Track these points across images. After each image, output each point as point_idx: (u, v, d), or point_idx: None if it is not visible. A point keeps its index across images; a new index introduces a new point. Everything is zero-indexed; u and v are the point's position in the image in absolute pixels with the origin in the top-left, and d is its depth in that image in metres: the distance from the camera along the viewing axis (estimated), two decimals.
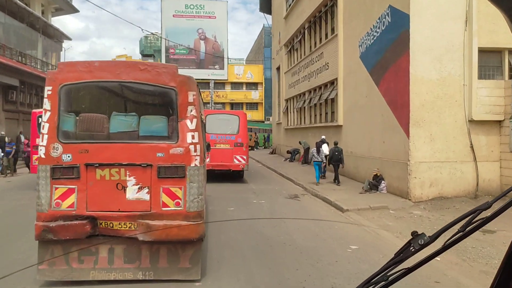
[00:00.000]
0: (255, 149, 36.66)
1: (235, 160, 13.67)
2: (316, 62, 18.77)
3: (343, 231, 7.60)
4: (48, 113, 4.50)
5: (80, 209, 4.43)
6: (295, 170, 17.90)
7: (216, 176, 14.41)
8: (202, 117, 6.80)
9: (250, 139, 38.68)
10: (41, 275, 4.43)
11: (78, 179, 4.46)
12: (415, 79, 10.06)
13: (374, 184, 11.39)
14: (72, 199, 4.44)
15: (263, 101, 57.61)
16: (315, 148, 13.71)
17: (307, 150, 19.53)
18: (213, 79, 52.57)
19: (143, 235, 4.40)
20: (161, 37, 50.81)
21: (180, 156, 4.55)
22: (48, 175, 4.42)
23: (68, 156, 4.46)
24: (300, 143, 20.05)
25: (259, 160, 24.33)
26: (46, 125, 4.50)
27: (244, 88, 57.86)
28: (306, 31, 20.69)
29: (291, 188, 13.56)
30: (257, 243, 6.64)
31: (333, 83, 16.61)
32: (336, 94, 15.67)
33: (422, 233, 1.00)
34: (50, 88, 4.51)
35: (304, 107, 21.14)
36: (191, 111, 4.66)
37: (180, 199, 4.53)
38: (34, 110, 13.27)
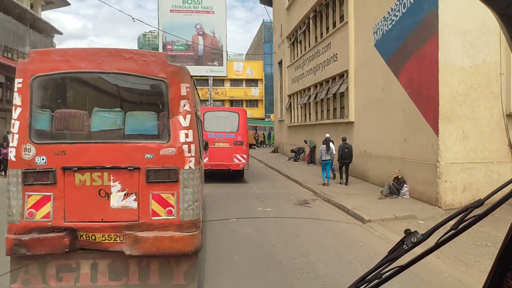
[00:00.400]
0: (255, 148, 35.27)
1: (235, 159, 13.09)
2: (322, 54, 17.38)
3: (370, 250, 6.25)
4: (19, 110, 3.96)
5: (57, 219, 3.94)
6: (301, 170, 16.54)
7: (215, 176, 13.41)
8: (198, 113, 6.13)
9: (256, 137, 37.45)
10: None
11: (54, 185, 3.96)
12: (445, 68, 8.68)
13: (396, 187, 10.03)
14: (47, 208, 3.95)
15: (263, 98, 56.22)
16: (324, 146, 12.59)
17: (313, 149, 18.19)
18: (212, 76, 51.34)
19: (131, 248, 3.90)
20: (158, 30, 49.34)
21: (172, 157, 4.05)
22: (20, 181, 3.90)
23: (42, 159, 3.95)
24: (305, 141, 18.69)
25: (261, 160, 22.98)
26: (17, 123, 3.96)
27: (244, 85, 56.45)
28: (311, 21, 19.28)
29: (298, 191, 12.22)
30: (267, 270, 5.30)
31: (342, 75, 15.23)
32: (347, 88, 14.29)
33: (415, 231, 1.01)
34: (20, 80, 3.97)
35: (309, 103, 19.76)
36: (184, 105, 4.13)
37: (173, 206, 4.05)
38: None
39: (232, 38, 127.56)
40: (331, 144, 12.67)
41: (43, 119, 4.14)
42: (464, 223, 0.94)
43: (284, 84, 25.42)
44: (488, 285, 0.95)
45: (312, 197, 11.13)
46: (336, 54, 15.52)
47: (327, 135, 13.45)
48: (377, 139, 11.99)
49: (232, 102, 56.06)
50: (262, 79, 55.91)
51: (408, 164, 10.14)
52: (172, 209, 4.05)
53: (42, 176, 3.94)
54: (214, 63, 56.17)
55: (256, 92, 56.24)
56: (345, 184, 12.25)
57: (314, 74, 18.72)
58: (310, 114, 19.97)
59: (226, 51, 56.84)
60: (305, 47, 20.85)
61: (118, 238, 3.98)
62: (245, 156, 13.15)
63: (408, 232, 1.03)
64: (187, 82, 4.23)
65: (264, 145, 39.18)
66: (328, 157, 12.41)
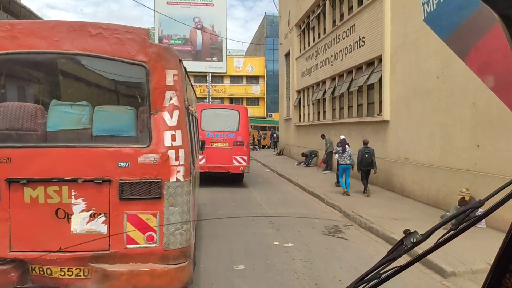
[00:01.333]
0: (257, 149, 32.37)
1: (234, 161, 12.07)
2: (343, 39, 14.49)
3: None
4: None
5: (0, 248, 3.07)
6: (317, 179, 13.67)
7: (212, 182, 11.83)
8: (191, 108, 5.13)
9: (260, 137, 34.69)
10: None
11: None
12: None
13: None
14: None
15: (265, 96, 53.34)
16: (339, 148, 10.68)
17: (329, 153, 15.33)
18: (210, 72, 48.53)
19: (98, 287, 3.11)
20: (154, 22, 46.47)
21: (154, 166, 3.22)
22: None
23: None
24: (323, 137, 15.40)
25: (265, 164, 20.10)
26: None
27: (244, 81, 53.57)
28: (327, 2, 16.37)
29: (322, 211, 9.35)
30: None
31: (372, 63, 12.34)
32: (379, 79, 11.39)
33: (415, 231, 0.99)
34: None
35: (325, 99, 16.88)
36: (171, 98, 3.30)
37: (154, 231, 3.23)
38: None
39: (231, 37, 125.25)
40: (347, 147, 10.72)
41: None
42: (464, 223, 0.93)
43: (292, 78, 22.53)
44: (487, 285, 0.95)
45: (343, 221, 8.25)
46: (363, 37, 12.62)
47: (342, 136, 11.31)
48: (428, 143, 9.10)
49: (232, 100, 53.20)
50: (263, 76, 53.01)
51: (482, 180, 7.25)
52: (153, 234, 3.24)
53: None
54: (213, 58, 53.28)
55: (257, 89, 53.34)
56: (366, 195, 10.27)
57: (332, 65, 15.83)
58: (325, 111, 17.08)
59: (226, 48, 54.07)
60: (319, 34, 17.96)
61: (81, 273, 3.17)
62: (245, 158, 12.08)
63: (407, 232, 1.00)
64: (175, 68, 3.38)
65: (267, 147, 36.20)
66: (348, 161, 10.42)
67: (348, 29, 13.98)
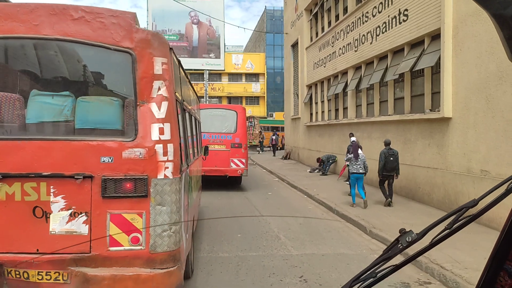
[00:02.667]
0: (260, 152, 29.40)
1: (232, 164, 11.55)
2: (373, 16, 11.56)
3: None
4: None
5: None
6: (344, 195, 10.71)
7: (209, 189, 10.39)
8: (188, 105, 4.76)
9: (263, 139, 31.93)
10: None
11: None
12: None
13: None
14: None
15: (265, 95, 50.34)
16: (351, 155, 9.12)
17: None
18: (207, 70, 45.56)
19: None
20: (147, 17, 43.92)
21: (139, 162, 3.02)
22: None
23: None
24: (351, 135, 12.20)
25: (272, 170, 17.16)
26: None
27: (244, 79, 50.53)
28: None
29: (369, 249, 6.40)
30: None
31: (419, 43, 9.39)
32: (438, 61, 8.42)
33: (410, 230, 0.99)
34: None
35: (346, 93, 13.96)
36: (159, 89, 3.09)
37: (140, 232, 3.01)
38: None
39: (228, 38, 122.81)
40: (360, 151, 9.15)
41: None
42: (458, 223, 0.93)
43: (301, 71, 19.59)
44: (482, 283, 0.95)
45: (414, 275, 5.31)
46: (406, 10, 9.68)
47: (354, 138, 9.91)
48: None
49: (230, 99, 50.16)
50: (264, 74, 49.98)
51: None
52: (139, 235, 3.02)
53: None
54: (210, 55, 50.32)
55: (257, 88, 50.30)
56: (389, 205, 8.82)
57: (356, 50, 12.89)
58: (346, 108, 14.13)
59: (224, 44, 51.20)
60: (337, 15, 15.02)
61: (60, 277, 2.96)
62: (243, 160, 11.61)
63: (403, 232, 0.99)
64: (164, 56, 3.16)
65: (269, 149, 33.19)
66: (361, 169, 8.95)
67: (381, 2, 11.03)
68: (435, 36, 8.66)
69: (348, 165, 9.43)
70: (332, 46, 15.16)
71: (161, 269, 3.03)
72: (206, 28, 52.43)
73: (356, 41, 12.82)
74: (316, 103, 17.75)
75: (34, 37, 3.07)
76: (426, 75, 9.04)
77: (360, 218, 7.96)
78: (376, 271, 0.99)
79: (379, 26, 11.16)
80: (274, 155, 25.63)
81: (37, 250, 2.94)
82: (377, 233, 6.95)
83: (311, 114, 18.62)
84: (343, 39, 14.04)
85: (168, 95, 3.15)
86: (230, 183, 13.23)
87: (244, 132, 11.99)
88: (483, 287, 0.95)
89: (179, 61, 4.10)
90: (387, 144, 8.75)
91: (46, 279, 2.94)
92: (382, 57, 11.30)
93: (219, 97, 49.35)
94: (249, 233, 7.24)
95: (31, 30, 3.00)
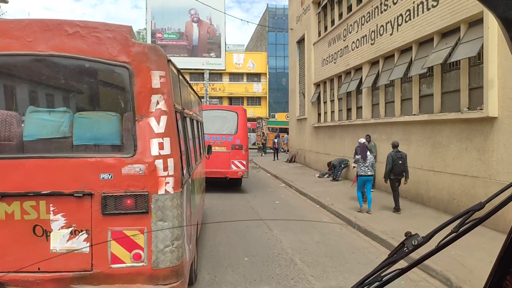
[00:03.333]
0: (263, 154, 28.15)
1: (232, 166, 11.40)
2: (394, 4, 10.31)
3: None
4: None
5: None
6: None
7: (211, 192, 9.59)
8: (189, 112, 4.76)
9: (266, 140, 30.76)
10: None
11: None
12: None
13: None
14: None
15: (267, 95, 49.06)
16: (358, 156, 8.67)
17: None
18: (208, 69, 44.24)
19: None
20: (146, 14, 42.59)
21: (139, 178, 2.98)
22: None
23: None
24: (367, 137, 10.79)
25: (277, 175, 15.91)
26: None
27: (245, 79, 49.28)
28: None
29: (405, 278, 5.13)
30: None
31: (453, 31, 8.13)
32: (480, 50, 7.15)
33: (416, 233, 0.98)
34: None
35: (360, 91, 12.71)
36: (158, 103, 3.04)
37: (142, 249, 2.98)
38: None
39: (229, 37, 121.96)
40: (368, 153, 8.65)
41: None
42: (465, 226, 0.92)
43: (308, 69, 18.35)
44: (488, 287, 0.94)
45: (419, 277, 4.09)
46: None
47: (362, 140, 9.27)
48: None
49: (231, 99, 48.91)
50: (265, 73, 48.72)
51: None
52: (141, 252, 3.00)
53: None
54: (211, 54, 48.97)
55: (258, 88, 49.05)
56: (397, 211, 8.37)
57: (373, 43, 11.64)
58: (359, 108, 12.88)
59: (225, 43, 50.04)
60: (349, 6, 13.77)
61: None
62: (244, 162, 11.50)
63: (409, 235, 0.98)
64: (162, 69, 3.09)
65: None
66: (369, 171, 8.50)
67: None
68: (474, 22, 7.41)
69: (354, 167, 8.95)
70: (344, 40, 13.92)
71: (164, 285, 3.02)
72: (206, 26, 51.14)
73: (373, 33, 11.58)
74: (325, 102, 16.50)
75: (29, 53, 3.02)
76: (462, 67, 7.78)
77: (389, 235, 6.71)
78: (382, 274, 0.97)
79: (401, 15, 9.91)
80: (276, 159, 23.64)
81: (39, 269, 2.93)
82: (413, 257, 5.70)
83: (319, 114, 17.37)
84: (357, 32, 12.79)
85: (167, 109, 3.11)
86: (232, 186, 12.07)
87: (245, 134, 11.80)
88: None
89: (178, 70, 3.98)
90: (395, 146, 8.25)
91: None
92: (405, 50, 10.05)
93: (220, 98, 48.11)
94: (258, 256, 5.99)
95: (25, 47, 2.96)
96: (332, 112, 15.61)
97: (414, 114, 9.40)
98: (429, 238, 0.94)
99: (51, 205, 2.94)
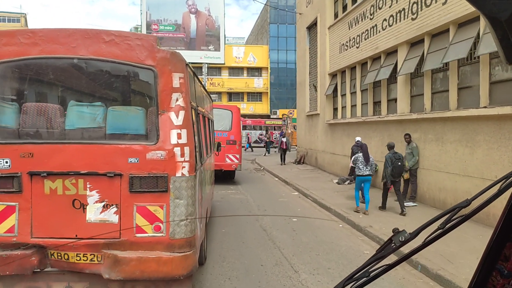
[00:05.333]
0: (266, 154, 25.74)
1: (227, 159, 12.29)
2: None
3: None
4: None
5: (22, 234, 3.43)
6: (408, 225, 7.06)
7: None
8: (202, 109, 5.44)
9: (269, 138, 28.37)
10: None
11: (19, 194, 3.45)
12: None
13: None
14: (11, 221, 3.43)
15: (269, 91, 46.58)
16: (359, 155, 8.18)
17: (415, 171, 8.84)
18: (206, 63, 41.69)
19: (110, 271, 3.39)
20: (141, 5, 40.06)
21: (161, 162, 3.50)
22: None
23: (6, 162, 3.44)
24: (406, 137, 8.92)
25: (287, 180, 13.56)
26: None
27: (245, 74, 46.78)
28: None
29: None
30: None
31: None
32: None
33: (403, 230, 0.99)
34: None
35: (394, 79, 10.32)
36: (177, 100, 3.59)
37: (161, 221, 3.48)
38: None
39: (228, 30, 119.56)
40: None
41: (7, 114, 3.67)
42: (451, 222, 0.93)
43: (322, 57, 15.95)
44: (474, 283, 0.96)
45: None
46: None
47: (358, 138, 9.30)
48: None
49: (231, 95, 46.45)
50: (267, 68, 46.21)
51: None
52: (160, 224, 3.50)
53: (6, 182, 3.44)
54: (209, 47, 46.35)
55: (259, 83, 46.55)
56: (402, 213, 7.79)
57: (414, 18, 9.22)
58: (394, 100, 10.48)
59: (224, 36, 47.55)
60: None
61: (95, 258, 3.46)
62: (237, 156, 12.51)
63: (396, 231, 0.99)
64: (181, 72, 3.66)
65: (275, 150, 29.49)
66: (368, 171, 8.12)
67: None
68: None
69: (353, 166, 8.64)
70: (371, 19, 11.50)
71: (179, 253, 3.48)
72: (205, 18, 48.42)
73: (415, 5, 9.16)
74: (343, 95, 14.10)
75: (72, 57, 3.58)
76: None
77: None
78: (369, 270, 0.99)
79: None
80: (283, 163, 18.84)
81: (76, 235, 3.44)
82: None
83: (335, 109, 14.99)
84: (390, 6, 10.38)
85: (184, 105, 3.63)
86: (240, 203, 9.77)
87: (238, 130, 12.83)
88: (475, 287, 0.96)
89: (193, 72, 4.46)
90: (391, 147, 8.10)
91: (83, 260, 3.43)
92: (464, 23, 7.65)
93: (219, 93, 45.63)
94: None
95: (70, 51, 3.53)
96: (353, 106, 13.22)
97: (485, 107, 7.00)
98: (416, 234, 0.96)
99: (87, 183, 3.47)
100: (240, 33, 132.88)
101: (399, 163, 7.94)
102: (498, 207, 1.00)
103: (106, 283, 3.44)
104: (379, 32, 10.98)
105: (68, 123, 3.61)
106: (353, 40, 12.83)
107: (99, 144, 3.52)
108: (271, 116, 44.83)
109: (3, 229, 3.37)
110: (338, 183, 12.43)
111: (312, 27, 17.59)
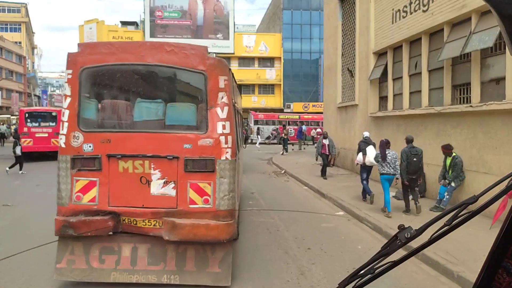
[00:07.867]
0: (284, 153, 22.41)
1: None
2: None
3: None
4: (68, 99, 4.37)
5: (102, 204, 4.30)
6: None
7: None
8: (237, 105, 6.37)
9: (287, 134, 25.21)
10: (59, 274, 4.31)
11: (99, 171, 4.32)
12: None
13: None
14: (93, 192, 4.31)
15: (282, 83, 43.03)
16: (377, 152, 7.97)
17: None
18: (215, 53, 38.32)
19: (169, 234, 4.17)
20: None
21: (209, 148, 4.31)
22: (68, 167, 4.30)
23: (90, 146, 4.32)
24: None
25: (321, 190, 10.31)
26: (66, 112, 4.36)
27: (256, 64, 43.30)
28: None
29: None
30: None
31: None
32: None
33: (409, 226, 0.98)
34: (70, 71, 4.38)
35: (492, 51, 6.91)
36: (222, 98, 4.40)
37: (209, 196, 4.28)
38: (21, 109, 18.83)
39: (238, 17, 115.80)
40: (370, 149, 8.50)
41: (90, 109, 4.60)
42: (458, 219, 0.92)
43: (362, 33, 12.55)
44: (480, 281, 0.95)
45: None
46: None
47: (366, 134, 8.78)
48: None
49: (241, 87, 42.94)
50: (280, 58, 42.63)
51: None
52: (208, 198, 4.26)
53: (89, 162, 4.28)
54: (218, 35, 43.12)
55: (272, 74, 43.00)
56: (416, 211, 7.58)
57: None
58: (492, 83, 7.09)
59: (234, 23, 44.13)
60: None
61: (157, 224, 4.25)
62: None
63: (402, 228, 0.99)
64: (226, 75, 4.45)
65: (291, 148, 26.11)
66: (392, 170, 7.61)
67: None
68: None
69: (358, 164, 8.64)
70: None
71: (223, 221, 4.22)
72: (213, 3, 44.90)
73: None
74: (397, 78, 10.71)
75: (141, 64, 4.50)
76: None
77: None
78: (375, 267, 0.98)
79: None
80: (324, 177, 12.72)
81: (143, 205, 4.28)
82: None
83: (383, 98, 11.62)
84: None
85: (228, 102, 4.42)
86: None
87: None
88: (481, 284, 0.95)
89: (232, 74, 5.31)
90: (409, 141, 7.61)
91: (148, 225, 4.26)
92: None
93: None
94: None
95: (139, 59, 4.44)
96: (413, 93, 9.82)
97: None
98: (422, 231, 0.95)
99: (152, 164, 4.28)
100: (251, 19, 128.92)
101: (415, 159, 7.48)
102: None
103: (164, 245, 4.26)
104: None
105: (136, 116, 4.59)
106: (417, 2, 9.41)
107: (160, 133, 4.38)
108: (285, 110, 41.37)
109: (87, 199, 4.25)
110: (396, 197, 9.09)
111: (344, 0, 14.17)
